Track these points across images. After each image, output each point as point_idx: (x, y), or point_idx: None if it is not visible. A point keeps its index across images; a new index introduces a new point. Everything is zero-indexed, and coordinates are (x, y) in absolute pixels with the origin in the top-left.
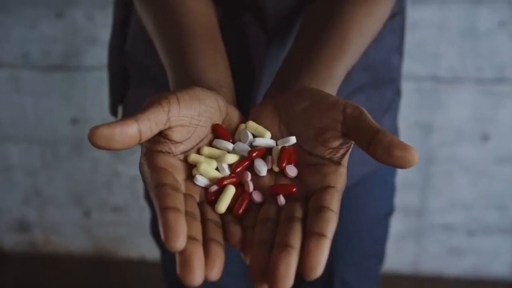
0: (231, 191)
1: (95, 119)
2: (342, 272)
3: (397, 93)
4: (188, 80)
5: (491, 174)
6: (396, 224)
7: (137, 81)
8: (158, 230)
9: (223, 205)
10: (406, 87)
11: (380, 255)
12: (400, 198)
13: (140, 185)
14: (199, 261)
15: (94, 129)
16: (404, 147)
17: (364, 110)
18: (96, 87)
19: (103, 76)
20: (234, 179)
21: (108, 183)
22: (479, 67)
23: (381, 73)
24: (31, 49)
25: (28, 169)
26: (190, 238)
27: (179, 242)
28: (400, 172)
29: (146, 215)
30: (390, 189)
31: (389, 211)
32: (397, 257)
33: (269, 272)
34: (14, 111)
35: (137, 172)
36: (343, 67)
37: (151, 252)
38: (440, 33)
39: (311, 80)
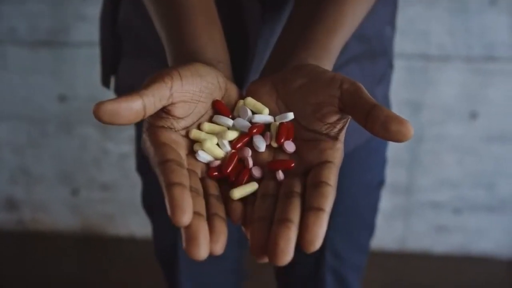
0: (253, 187)
1: (84, 96)
2: (334, 241)
3: (390, 65)
4: (187, 56)
5: (479, 152)
6: (384, 201)
7: (130, 50)
8: (150, 203)
9: (238, 193)
10: (396, 65)
11: (370, 227)
12: (389, 176)
13: (128, 163)
14: (205, 236)
15: (99, 104)
16: (400, 121)
17: (361, 85)
18: (85, 63)
19: (92, 52)
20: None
21: (96, 161)
22: (469, 45)
23: (375, 44)
24: (18, 24)
25: (15, 147)
26: (195, 213)
27: (185, 217)
28: (389, 149)
29: (135, 192)
30: (381, 159)
31: (380, 181)
32: (385, 234)
33: (269, 247)
34: (0, 88)
35: (126, 150)
36: (339, 41)
37: (140, 229)
38: (430, 10)
39: (307, 55)
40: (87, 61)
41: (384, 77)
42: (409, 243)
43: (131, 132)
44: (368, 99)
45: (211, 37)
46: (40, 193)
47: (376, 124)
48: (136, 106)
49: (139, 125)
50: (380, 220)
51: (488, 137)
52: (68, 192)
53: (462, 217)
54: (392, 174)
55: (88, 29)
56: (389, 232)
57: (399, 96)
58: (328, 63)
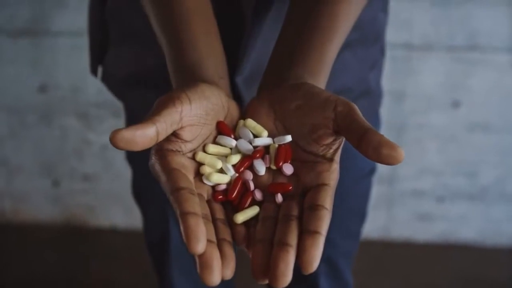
0: (255, 211)
1: (65, 86)
2: None
3: (382, 51)
4: (188, 69)
5: (461, 141)
6: None
7: (117, 38)
8: (140, 192)
9: (241, 217)
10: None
11: (362, 214)
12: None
13: (110, 153)
14: (217, 263)
15: (116, 133)
16: (391, 146)
17: (355, 106)
18: (66, 52)
19: (73, 42)
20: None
21: (77, 152)
22: (451, 34)
23: (368, 30)
24: None
25: None
26: (208, 241)
27: (200, 246)
28: None
29: (117, 183)
30: None
31: (372, 168)
32: (368, 223)
33: (270, 270)
34: None
35: (107, 140)
36: (334, 48)
37: (122, 221)
38: (413, 0)
39: (304, 71)
40: (68, 51)
41: (376, 64)
42: (392, 231)
43: (112, 122)
44: (362, 122)
45: (211, 47)
46: (21, 184)
47: (369, 148)
48: (151, 133)
49: (129, 120)
50: None
51: (470, 126)
52: (49, 183)
53: (444, 205)
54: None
55: (68, 18)
56: (372, 221)
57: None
58: (323, 76)
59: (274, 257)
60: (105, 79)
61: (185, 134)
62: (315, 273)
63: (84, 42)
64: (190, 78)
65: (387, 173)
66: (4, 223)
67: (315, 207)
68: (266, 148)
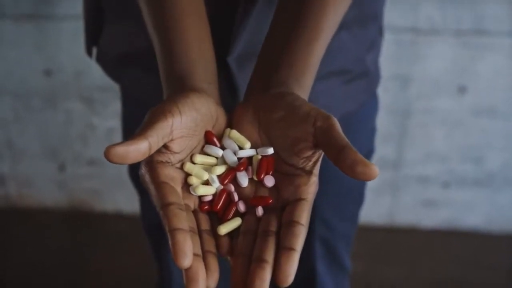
0: (237, 223)
1: (69, 70)
2: (323, 210)
3: (380, 31)
4: (179, 76)
5: (467, 126)
6: None
7: (113, 17)
8: (137, 176)
9: (224, 229)
10: (384, 38)
11: (359, 196)
12: (377, 150)
13: (115, 138)
14: (202, 277)
15: (110, 148)
16: (365, 164)
17: (334, 121)
18: (70, 36)
19: (77, 25)
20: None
21: (83, 136)
22: (458, 18)
23: (366, 8)
24: None
25: (0, 122)
26: (194, 254)
27: (187, 261)
28: (377, 124)
29: (122, 168)
30: (370, 129)
31: (369, 151)
32: (373, 209)
33: (247, 285)
34: None
35: (113, 125)
36: (321, 48)
37: (127, 205)
38: None
39: (289, 75)
40: (72, 34)
41: (374, 44)
42: (397, 217)
43: (116, 106)
44: (339, 139)
45: (201, 51)
46: (26, 168)
47: (345, 165)
48: (143, 148)
49: (124, 101)
50: (368, 195)
51: (477, 111)
52: (55, 167)
53: (450, 191)
54: (380, 148)
55: (73, 2)
56: (377, 207)
57: (387, 69)
58: (309, 78)
59: (251, 273)
60: (100, 59)
61: (175, 146)
62: (313, 258)
63: None
64: (181, 87)
65: (392, 158)
66: (9, 207)
67: (291, 223)
68: (250, 158)
